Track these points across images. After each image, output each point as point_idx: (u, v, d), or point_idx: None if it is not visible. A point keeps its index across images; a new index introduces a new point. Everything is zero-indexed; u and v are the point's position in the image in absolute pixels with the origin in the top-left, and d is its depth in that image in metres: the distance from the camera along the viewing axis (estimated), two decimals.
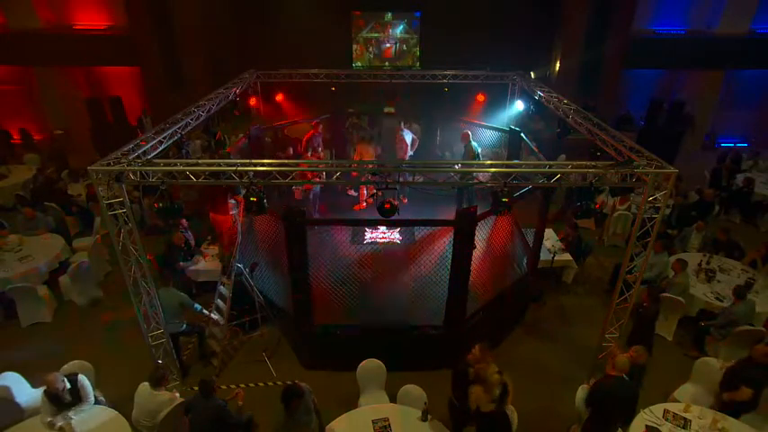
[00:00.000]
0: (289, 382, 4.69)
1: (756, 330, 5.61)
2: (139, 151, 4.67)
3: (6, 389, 4.77)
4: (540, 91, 7.22)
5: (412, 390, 4.75)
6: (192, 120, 5.86)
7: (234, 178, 4.44)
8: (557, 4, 12.84)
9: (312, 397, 4.39)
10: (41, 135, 13.87)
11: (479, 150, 8.35)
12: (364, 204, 8.84)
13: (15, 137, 13.50)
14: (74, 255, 7.59)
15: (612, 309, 5.06)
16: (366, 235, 7.70)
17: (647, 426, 4.37)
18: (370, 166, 5.37)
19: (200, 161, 4.63)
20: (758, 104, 13.95)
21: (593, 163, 4.58)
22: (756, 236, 9.11)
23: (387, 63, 13.68)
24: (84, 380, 4.59)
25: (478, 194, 8.07)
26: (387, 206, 4.61)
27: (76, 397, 4.52)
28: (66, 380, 4.44)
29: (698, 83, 13.60)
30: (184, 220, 7.35)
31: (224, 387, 5.64)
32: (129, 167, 4.30)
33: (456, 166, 5.23)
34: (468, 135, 8.31)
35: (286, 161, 5.36)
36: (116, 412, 4.60)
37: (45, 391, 4.39)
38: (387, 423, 4.41)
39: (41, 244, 7.48)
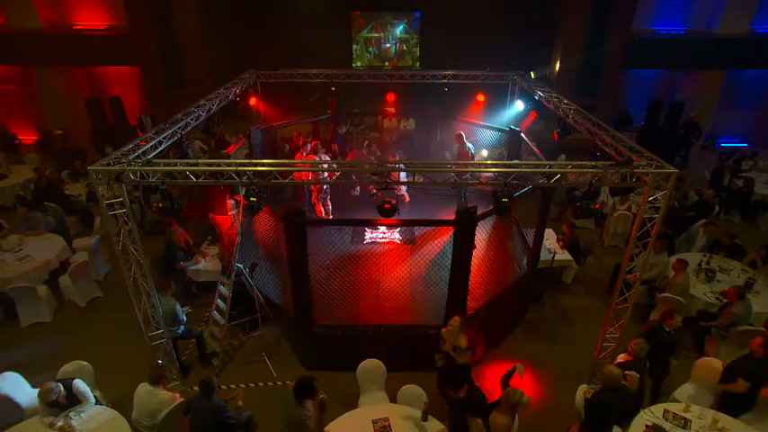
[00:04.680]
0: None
1: (756, 330, 5.60)
2: (139, 151, 4.68)
3: (6, 389, 4.76)
4: (540, 91, 7.22)
5: (412, 390, 4.75)
6: (192, 120, 5.86)
7: (234, 178, 4.44)
8: (557, 5, 12.85)
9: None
10: (41, 135, 13.87)
11: (474, 151, 8.31)
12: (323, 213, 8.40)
13: (21, 137, 13.51)
14: (74, 255, 7.59)
15: (612, 309, 5.06)
16: (366, 235, 7.69)
17: (646, 426, 4.36)
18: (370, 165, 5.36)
19: (199, 161, 4.63)
20: (758, 104, 13.94)
21: (593, 163, 4.58)
22: (756, 236, 9.11)
23: (387, 63, 13.70)
24: (79, 384, 4.51)
25: (478, 194, 8.06)
26: (387, 206, 4.61)
27: (74, 401, 4.49)
28: (61, 386, 4.39)
29: (698, 83, 13.59)
30: (175, 222, 7.22)
31: (224, 387, 5.64)
32: (129, 167, 4.31)
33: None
34: (462, 136, 8.27)
35: (286, 161, 5.35)
36: (116, 412, 4.60)
37: (39, 396, 4.36)
38: (387, 423, 4.40)
39: (41, 244, 7.48)
